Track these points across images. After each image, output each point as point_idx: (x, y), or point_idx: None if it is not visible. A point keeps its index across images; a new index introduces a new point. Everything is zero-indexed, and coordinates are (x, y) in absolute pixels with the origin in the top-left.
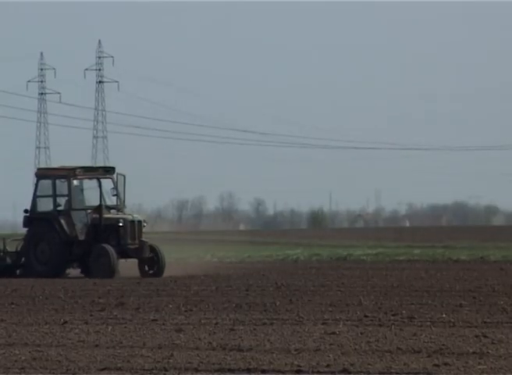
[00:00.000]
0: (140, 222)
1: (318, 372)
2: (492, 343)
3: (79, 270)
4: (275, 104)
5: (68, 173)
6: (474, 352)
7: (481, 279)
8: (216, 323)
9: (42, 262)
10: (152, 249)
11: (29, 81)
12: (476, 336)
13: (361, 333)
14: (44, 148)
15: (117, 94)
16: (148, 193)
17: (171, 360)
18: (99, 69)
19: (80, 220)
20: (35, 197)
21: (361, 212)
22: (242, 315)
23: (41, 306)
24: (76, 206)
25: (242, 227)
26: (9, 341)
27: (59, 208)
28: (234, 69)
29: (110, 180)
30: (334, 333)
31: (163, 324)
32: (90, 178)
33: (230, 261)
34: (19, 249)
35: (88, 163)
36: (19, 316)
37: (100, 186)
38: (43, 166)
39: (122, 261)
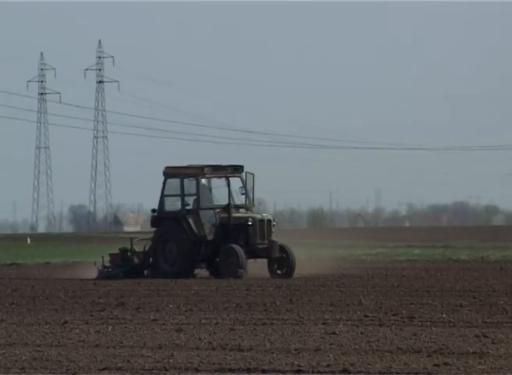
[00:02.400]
0: (269, 221)
1: (319, 372)
2: (493, 343)
3: (206, 271)
4: (275, 104)
5: (196, 172)
6: (474, 352)
7: (481, 279)
8: (216, 323)
9: (170, 262)
10: (282, 249)
11: (29, 81)
12: (476, 336)
13: (361, 333)
14: (44, 148)
15: (117, 94)
16: (148, 193)
17: (171, 360)
18: (99, 69)
19: (209, 220)
20: (163, 196)
21: (361, 212)
22: (242, 315)
23: (42, 306)
24: (205, 205)
25: None
26: (10, 341)
27: (187, 207)
28: (234, 69)
29: (239, 178)
30: (334, 333)
31: (163, 324)
32: (218, 177)
33: None
34: (146, 249)
35: (88, 163)
36: (19, 316)
37: (229, 185)
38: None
39: (250, 261)
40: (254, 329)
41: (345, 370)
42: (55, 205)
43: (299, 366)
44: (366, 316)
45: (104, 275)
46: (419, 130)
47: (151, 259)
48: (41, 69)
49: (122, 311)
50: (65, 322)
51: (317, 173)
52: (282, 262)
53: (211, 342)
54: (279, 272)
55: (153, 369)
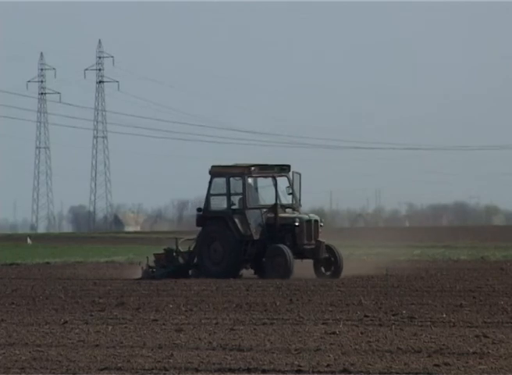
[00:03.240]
0: (316, 221)
1: (319, 372)
2: (493, 343)
3: (251, 271)
4: (274, 104)
5: (243, 171)
6: (474, 352)
7: (481, 279)
8: (216, 323)
9: (215, 262)
10: (329, 249)
11: (29, 81)
12: (476, 336)
13: (361, 333)
14: (44, 148)
15: (117, 94)
16: (148, 193)
17: (171, 360)
18: (99, 69)
19: (255, 219)
20: (208, 195)
21: (362, 212)
22: (242, 315)
23: (41, 306)
24: (251, 205)
25: None
26: (10, 340)
27: (233, 206)
28: (234, 69)
29: (285, 178)
30: (334, 333)
31: (163, 324)
32: (265, 176)
33: None
34: (191, 249)
35: (88, 163)
36: (19, 316)
37: (275, 184)
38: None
39: (297, 261)
40: (254, 329)
41: (345, 370)
42: (55, 205)
43: (299, 366)
44: (366, 316)
45: (149, 275)
46: (419, 130)
47: (195, 259)
48: (41, 69)
49: (122, 311)
50: (65, 322)
51: (317, 173)
52: (329, 262)
53: (211, 342)
54: (325, 273)
55: (153, 369)
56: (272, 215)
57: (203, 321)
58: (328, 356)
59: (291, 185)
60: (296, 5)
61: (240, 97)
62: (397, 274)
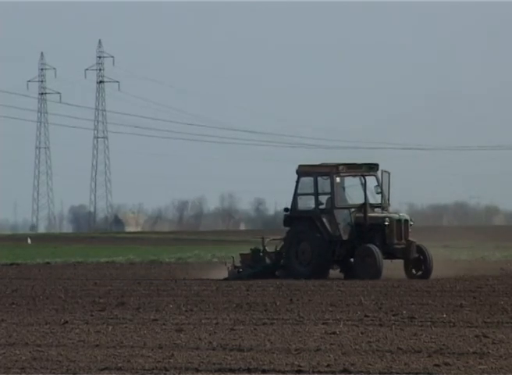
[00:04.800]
0: (406, 221)
1: (319, 372)
2: (493, 343)
3: (338, 271)
4: (274, 104)
5: (331, 170)
6: (474, 352)
7: (481, 279)
8: (217, 323)
9: (303, 262)
10: (419, 250)
11: (29, 81)
12: (476, 336)
13: (362, 333)
14: (44, 148)
15: (117, 94)
16: (149, 193)
17: (171, 360)
18: (99, 69)
19: (344, 219)
20: (296, 195)
21: None
22: (242, 315)
23: (42, 306)
24: (339, 205)
25: (242, 227)
26: (10, 340)
27: (321, 206)
28: (234, 69)
29: (373, 177)
30: (334, 333)
31: (164, 324)
32: (353, 175)
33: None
34: (278, 249)
35: (89, 163)
36: (19, 316)
37: (364, 183)
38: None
39: (386, 261)
40: (255, 329)
41: (345, 370)
42: (56, 206)
43: (299, 366)
44: (366, 316)
45: (235, 275)
46: (419, 130)
47: (282, 260)
48: (41, 69)
49: (123, 311)
50: (66, 322)
51: None
52: (418, 263)
53: (212, 342)
54: (416, 273)
55: (153, 369)
56: (361, 214)
57: (203, 321)
58: (329, 356)
59: (380, 184)
60: (296, 5)
61: (240, 97)
62: (397, 274)
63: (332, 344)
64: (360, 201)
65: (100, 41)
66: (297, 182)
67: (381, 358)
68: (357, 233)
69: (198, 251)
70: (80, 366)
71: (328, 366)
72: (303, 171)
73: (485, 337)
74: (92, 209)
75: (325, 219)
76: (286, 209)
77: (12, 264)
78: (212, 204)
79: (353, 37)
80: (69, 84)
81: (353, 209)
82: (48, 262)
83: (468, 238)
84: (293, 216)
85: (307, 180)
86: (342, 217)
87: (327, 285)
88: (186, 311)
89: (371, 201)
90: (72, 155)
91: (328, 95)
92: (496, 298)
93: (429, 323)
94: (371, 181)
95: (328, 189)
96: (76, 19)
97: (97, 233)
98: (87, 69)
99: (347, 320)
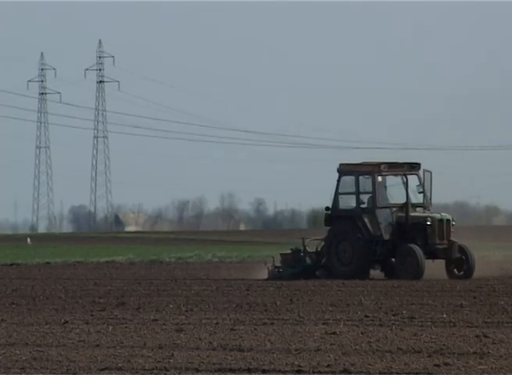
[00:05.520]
0: (448, 221)
1: (319, 372)
2: (493, 343)
3: (379, 271)
4: (275, 104)
5: (373, 169)
6: (474, 352)
7: (481, 279)
8: (217, 323)
9: (344, 262)
10: (461, 250)
11: (29, 81)
12: (477, 336)
13: (362, 334)
14: (45, 147)
15: (117, 94)
16: (149, 193)
17: (171, 360)
18: (99, 69)
19: (385, 219)
20: (337, 194)
21: None
22: (242, 315)
23: (42, 306)
24: (381, 204)
25: (242, 227)
26: (10, 340)
27: (363, 205)
28: (234, 69)
29: (415, 176)
30: (334, 333)
31: (164, 324)
32: (395, 174)
33: (231, 260)
34: (319, 249)
35: (89, 163)
36: (19, 316)
37: (406, 183)
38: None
39: (427, 261)
40: (255, 329)
41: (345, 370)
42: (56, 205)
43: (299, 366)
44: (366, 316)
45: (275, 276)
46: (419, 130)
47: (323, 260)
48: (41, 69)
49: (123, 311)
50: (66, 322)
51: (317, 173)
52: (460, 263)
53: (212, 342)
54: (457, 273)
55: (153, 369)
56: (403, 214)
57: (203, 321)
58: (329, 356)
59: (422, 183)
60: (296, 5)
61: (240, 97)
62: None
63: (332, 344)
64: (402, 200)
65: (100, 41)
66: (338, 181)
67: (381, 358)
68: (398, 232)
69: (198, 251)
70: (80, 366)
71: (328, 366)
72: (344, 170)
73: (486, 337)
74: (92, 209)
75: (366, 219)
76: (326, 208)
77: (12, 264)
78: (212, 204)
79: (352, 37)
80: (69, 84)
81: (394, 209)
82: (47, 262)
83: (468, 238)
84: (334, 216)
85: (349, 179)
86: (383, 216)
87: (327, 285)
88: (186, 311)
89: (413, 200)
90: (72, 155)
91: (328, 95)
92: (496, 298)
93: (429, 323)
94: (412, 180)
95: (369, 188)
96: (76, 19)
97: (97, 233)
98: (87, 69)
99: (347, 320)
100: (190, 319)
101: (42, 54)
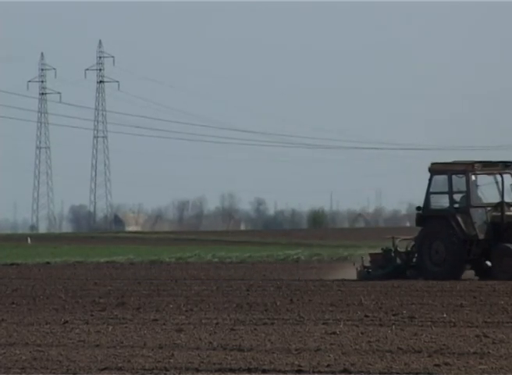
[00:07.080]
0: None
1: (319, 372)
2: (493, 343)
3: (470, 272)
4: (275, 104)
5: (466, 168)
6: (474, 352)
7: (481, 279)
8: (217, 323)
9: (437, 263)
10: None
11: (29, 81)
12: (477, 336)
13: (362, 333)
14: (45, 147)
15: (117, 94)
16: (148, 193)
17: (172, 360)
18: (100, 69)
19: (480, 218)
20: (428, 193)
21: (362, 212)
22: (242, 315)
23: (42, 306)
24: (475, 203)
25: (243, 227)
26: (10, 340)
27: (456, 205)
28: (234, 69)
29: (509, 175)
30: (335, 333)
31: (164, 324)
32: (488, 173)
33: (231, 261)
34: (409, 249)
35: (88, 163)
36: (19, 316)
37: (502, 182)
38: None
39: None
40: (255, 329)
41: (345, 370)
42: (56, 205)
43: (299, 366)
44: (366, 316)
45: (365, 276)
46: (419, 130)
47: (414, 260)
48: (42, 69)
49: (123, 311)
50: (66, 322)
51: (317, 173)
52: None
53: (212, 342)
54: None
55: (153, 369)
56: (498, 213)
57: (203, 321)
58: (329, 356)
59: None
60: (296, 5)
61: (240, 97)
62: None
63: (332, 344)
64: (495, 199)
65: (100, 41)
66: (430, 180)
67: (381, 358)
68: (493, 232)
69: (198, 251)
70: (80, 366)
71: (328, 366)
72: (436, 169)
73: (486, 337)
74: (92, 209)
75: (460, 218)
76: (418, 208)
77: (12, 264)
78: (212, 204)
79: (352, 37)
80: (69, 84)
81: (489, 208)
82: (47, 262)
83: None
84: (426, 215)
85: (441, 179)
86: (478, 216)
87: (327, 285)
88: (186, 311)
89: (507, 199)
90: (72, 155)
91: (328, 95)
92: (496, 298)
93: (429, 323)
94: (506, 179)
95: (463, 187)
96: (76, 19)
97: (97, 233)
98: (87, 69)
99: (347, 320)
100: (190, 319)
101: (42, 54)
